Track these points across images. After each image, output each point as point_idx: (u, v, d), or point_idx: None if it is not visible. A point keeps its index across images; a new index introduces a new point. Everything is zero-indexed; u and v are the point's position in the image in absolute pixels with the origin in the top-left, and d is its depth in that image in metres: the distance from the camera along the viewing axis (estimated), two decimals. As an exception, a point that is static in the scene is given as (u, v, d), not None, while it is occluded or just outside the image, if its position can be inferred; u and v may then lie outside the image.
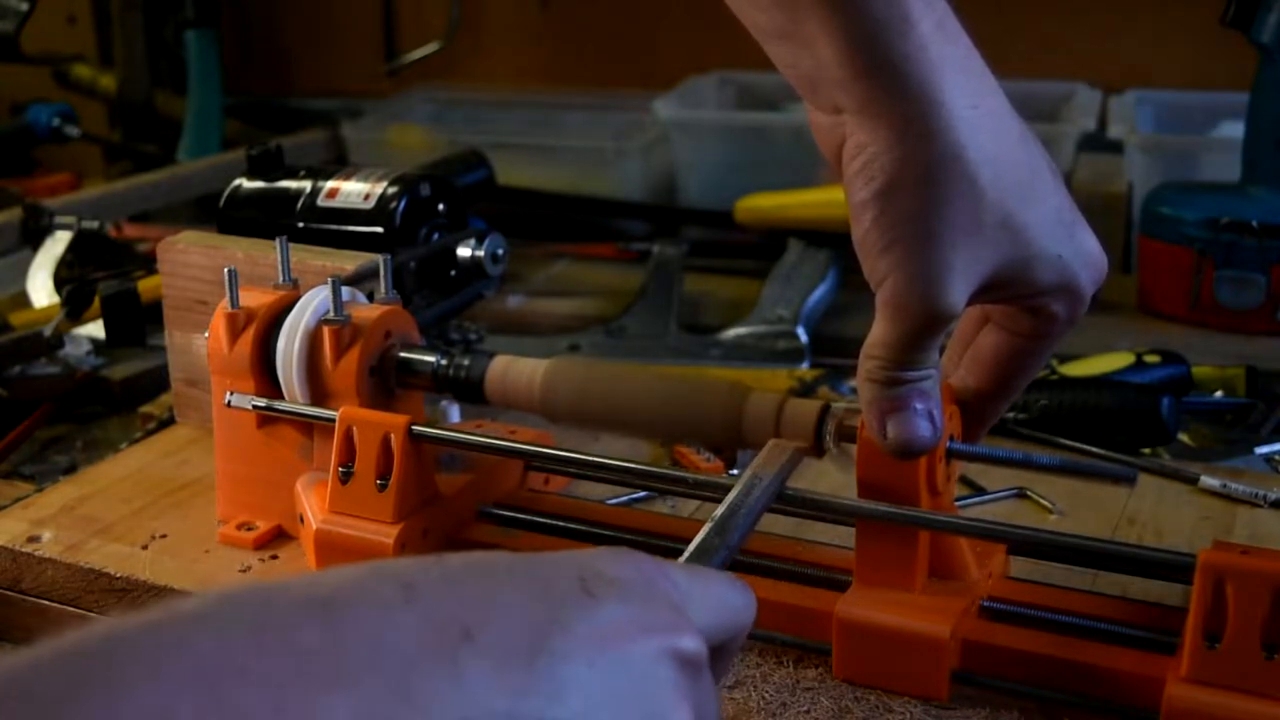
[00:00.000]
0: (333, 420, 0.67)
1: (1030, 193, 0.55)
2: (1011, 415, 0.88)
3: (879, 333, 0.55)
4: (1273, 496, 0.77)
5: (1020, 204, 0.54)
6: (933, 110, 0.52)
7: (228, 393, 0.71)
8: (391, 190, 0.90)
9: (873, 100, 0.52)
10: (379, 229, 0.89)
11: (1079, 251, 0.57)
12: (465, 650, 0.34)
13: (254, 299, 0.71)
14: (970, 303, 0.55)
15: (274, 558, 0.71)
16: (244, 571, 0.69)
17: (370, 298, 0.73)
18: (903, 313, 0.54)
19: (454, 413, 0.85)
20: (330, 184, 0.92)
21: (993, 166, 0.53)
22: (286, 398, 0.70)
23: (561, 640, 0.36)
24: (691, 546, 0.53)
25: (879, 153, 0.53)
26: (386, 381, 0.70)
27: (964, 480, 0.79)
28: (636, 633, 0.38)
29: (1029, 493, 0.78)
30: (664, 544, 0.66)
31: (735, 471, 0.81)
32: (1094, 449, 0.85)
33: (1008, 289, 0.56)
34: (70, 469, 0.90)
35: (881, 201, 0.53)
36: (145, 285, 1.02)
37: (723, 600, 0.45)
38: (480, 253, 0.90)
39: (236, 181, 0.95)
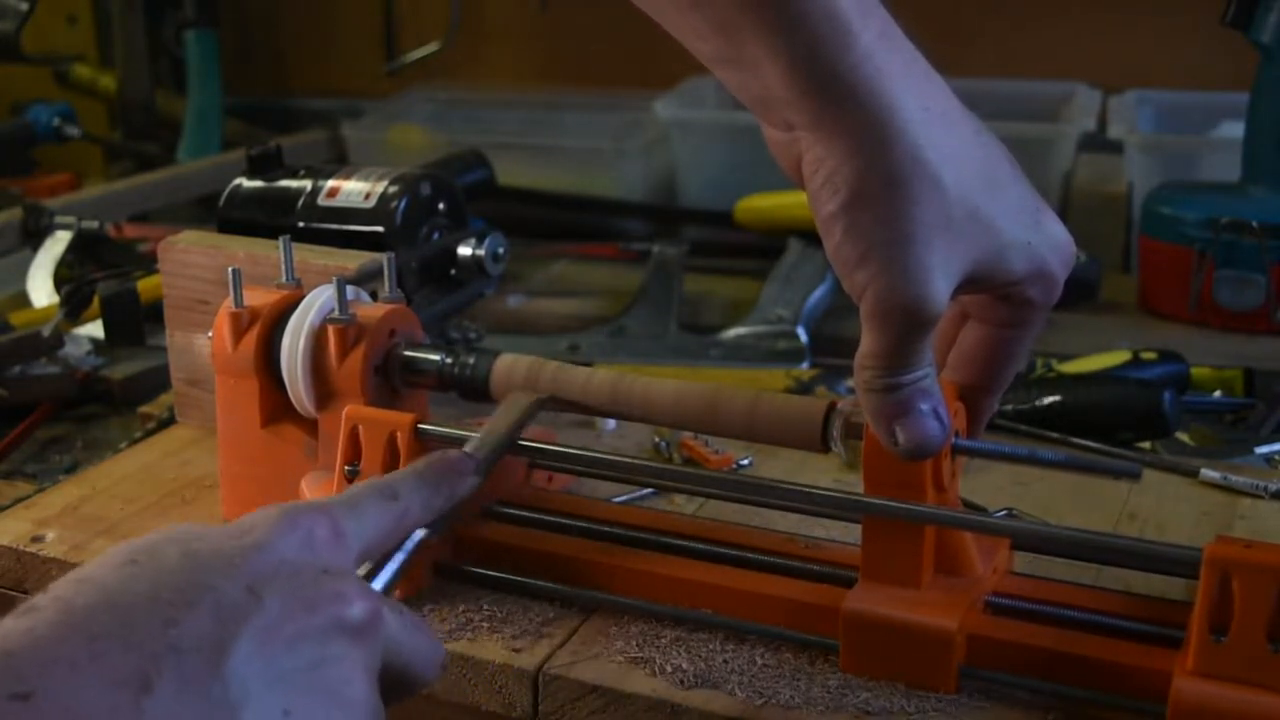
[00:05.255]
0: None
1: (993, 185, 0.55)
2: (1009, 408, 0.88)
3: (869, 343, 0.55)
4: (1274, 487, 0.77)
5: (985, 197, 0.54)
6: (886, 117, 0.52)
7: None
8: (392, 190, 0.90)
9: (825, 116, 0.52)
10: (379, 228, 0.89)
11: (1046, 237, 0.57)
12: (147, 703, 0.38)
13: (257, 298, 0.71)
14: (951, 298, 0.55)
15: (278, 556, 0.71)
16: (248, 570, 0.69)
17: (374, 297, 0.73)
18: (889, 320, 0.54)
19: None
20: (330, 183, 0.92)
21: (953, 164, 0.53)
22: (291, 397, 0.70)
23: (233, 657, 0.40)
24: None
25: (839, 165, 0.53)
26: (391, 380, 0.70)
27: (963, 502, 0.78)
28: (301, 616, 0.42)
29: (1016, 513, 0.76)
30: (665, 541, 0.67)
31: (746, 462, 0.81)
32: (1093, 444, 0.85)
33: (985, 281, 0.56)
34: (71, 469, 0.90)
35: (849, 213, 0.53)
36: (145, 285, 1.02)
37: (376, 520, 0.50)
38: (481, 252, 0.90)
39: (236, 181, 0.95)
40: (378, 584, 0.51)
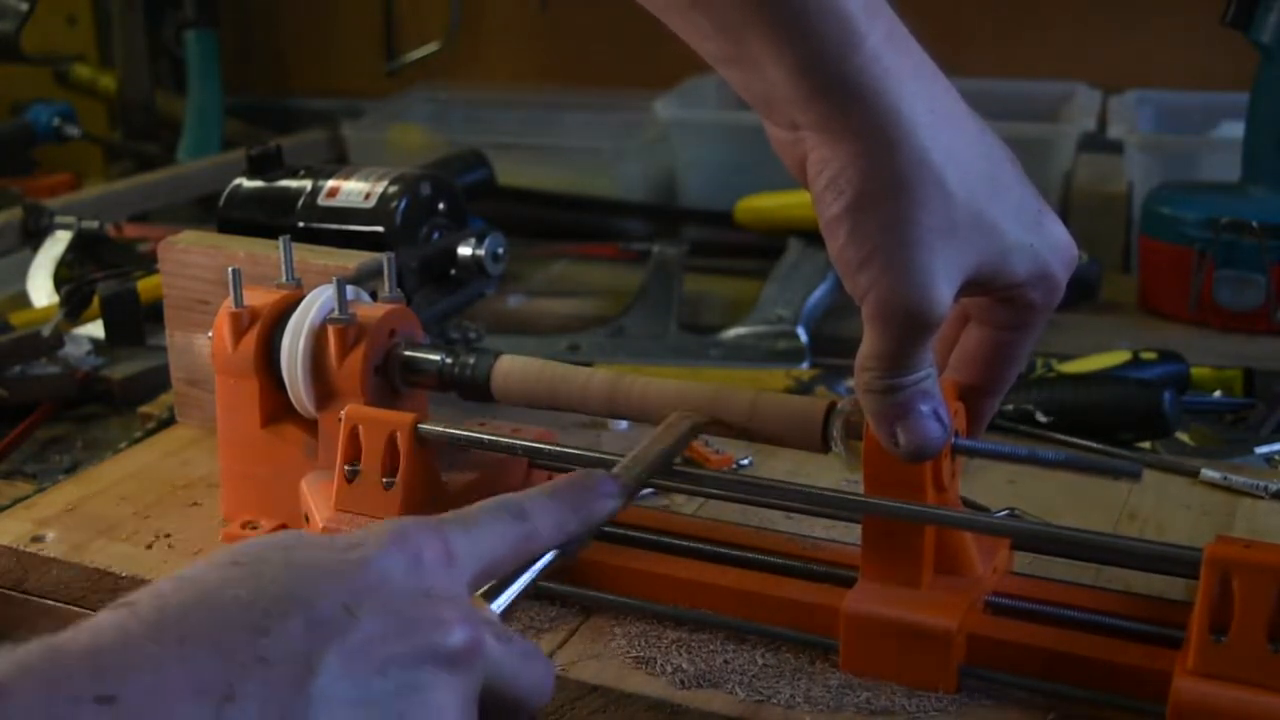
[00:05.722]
0: None
1: (996, 187, 0.55)
2: (1010, 408, 0.88)
3: (870, 345, 0.55)
4: (1274, 488, 0.77)
5: (988, 200, 0.54)
6: (892, 120, 0.52)
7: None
8: (392, 190, 0.90)
9: (830, 117, 0.52)
10: (379, 228, 0.89)
11: (1048, 239, 0.57)
12: (228, 713, 0.37)
13: (258, 298, 0.72)
14: (953, 301, 0.55)
15: (278, 556, 0.71)
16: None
17: (374, 297, 0.73)
18: (891, 323, 0.54)
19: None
20: (330, 183, 0.92)
21: (958, 167, 0.53)
22: (291, 397, 0.70)
23: (320, 675, 0.39)
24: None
25: (844, 167, 0.52)
26: (391, 380, 0.70)
27: (965, 502, 0.78)
28: (394, 639, 0.41)
29: (1016, 513, 0.77)
30: (665, 541, 0.67)
31: (746, 462, 0.81)
32: (1092, 444, 0.85)
33: (987, 284, 0.56)
34: (71, 469, 0.90)
35: (854, 215, 0.53)
36: (145, 285, 1.02)
37: (497, 540, 0.48)
38: (481, 252, 0.90)
39: (236, 181, 0.95)
40: (497, 605, 0.48)
